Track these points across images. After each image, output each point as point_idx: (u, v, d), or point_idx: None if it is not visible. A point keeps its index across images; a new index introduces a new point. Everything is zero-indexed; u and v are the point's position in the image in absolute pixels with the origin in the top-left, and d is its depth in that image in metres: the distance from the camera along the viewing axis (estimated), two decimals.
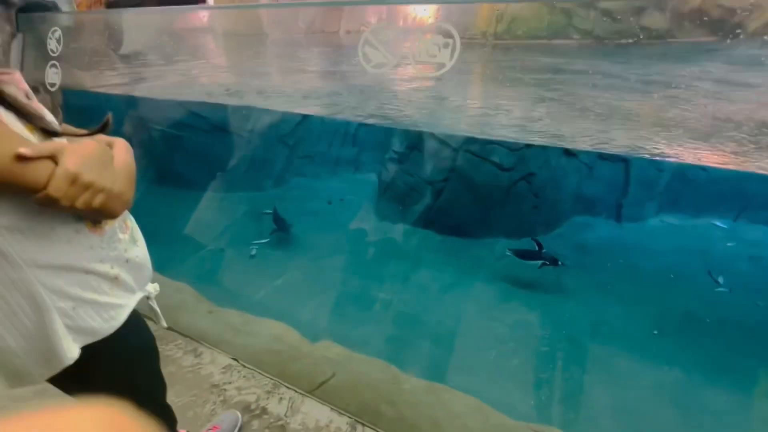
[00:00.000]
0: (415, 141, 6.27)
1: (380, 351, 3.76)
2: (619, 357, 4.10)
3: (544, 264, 5.12)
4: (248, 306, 3.15)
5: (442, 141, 6.01)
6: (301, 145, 7.80)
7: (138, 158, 0.96)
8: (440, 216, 6.35)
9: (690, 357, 4.08)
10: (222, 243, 6.14)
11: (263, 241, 6.31)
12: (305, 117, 7.59)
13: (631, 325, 4.58)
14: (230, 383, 2.04)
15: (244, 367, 2.17)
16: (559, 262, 5.13)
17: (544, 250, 5.29)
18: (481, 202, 6.07)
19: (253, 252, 6.03)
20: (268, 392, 2.00)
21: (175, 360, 2.17)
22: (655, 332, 4.47)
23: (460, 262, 5.76)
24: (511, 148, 5.71)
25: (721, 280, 5.23)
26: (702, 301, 4.96)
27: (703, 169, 6.16)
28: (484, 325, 4.57)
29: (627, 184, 6.31)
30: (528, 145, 5.71)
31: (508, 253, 5.37)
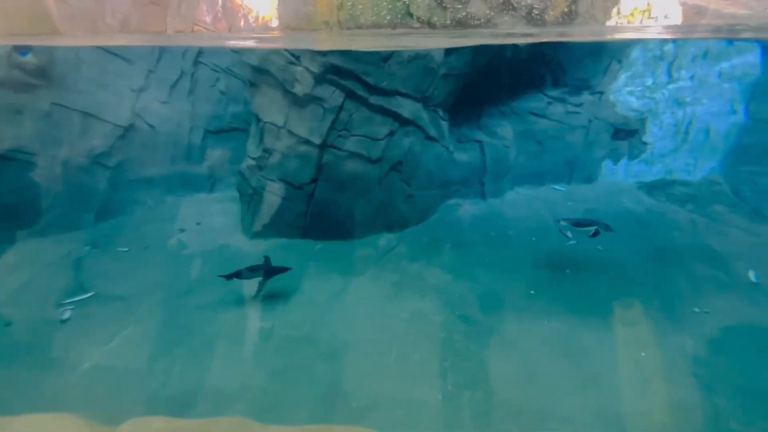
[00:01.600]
0: (271, 142, 5.50)
1: (232, 404, 2.84)
2: (508, 323, 4.20)
3: (597, 231, 5.19)
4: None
5: (306, 140, 5.38)
6: (129, 164, 6.19)
7: None
8: (316, 221, 5.71)
9: (563, 307, 4.41)
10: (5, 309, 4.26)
11: (83, 296, 4.61)
12: (128, 129, 6.04)
13: (512, 291, 4.75)
14: None
15: None
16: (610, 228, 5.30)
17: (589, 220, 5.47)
18: (355, 199, 5.66)
19: (66, 315, 4.35)
20: None
21: None
22: (532, 292, 4.73)
23: (345, 267, 5.24)
24: (375, 138, 5.47)
25: (569, 234, 5.95)
26: (560, 256, 5.52)
27: (539, 142, 7.04)
28: (378, 326, 4.11)
29: (484, 163, 6.78)
30: (391, 133, 5.56)
31: (562, 223, 5.34)
